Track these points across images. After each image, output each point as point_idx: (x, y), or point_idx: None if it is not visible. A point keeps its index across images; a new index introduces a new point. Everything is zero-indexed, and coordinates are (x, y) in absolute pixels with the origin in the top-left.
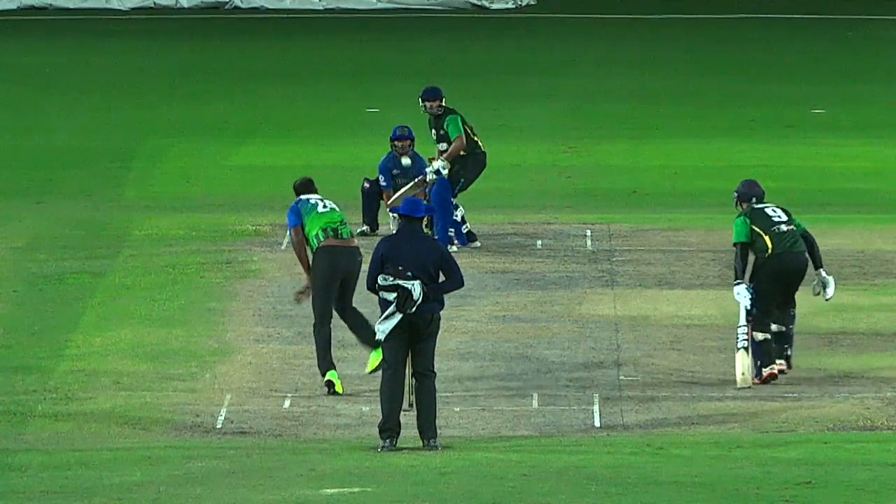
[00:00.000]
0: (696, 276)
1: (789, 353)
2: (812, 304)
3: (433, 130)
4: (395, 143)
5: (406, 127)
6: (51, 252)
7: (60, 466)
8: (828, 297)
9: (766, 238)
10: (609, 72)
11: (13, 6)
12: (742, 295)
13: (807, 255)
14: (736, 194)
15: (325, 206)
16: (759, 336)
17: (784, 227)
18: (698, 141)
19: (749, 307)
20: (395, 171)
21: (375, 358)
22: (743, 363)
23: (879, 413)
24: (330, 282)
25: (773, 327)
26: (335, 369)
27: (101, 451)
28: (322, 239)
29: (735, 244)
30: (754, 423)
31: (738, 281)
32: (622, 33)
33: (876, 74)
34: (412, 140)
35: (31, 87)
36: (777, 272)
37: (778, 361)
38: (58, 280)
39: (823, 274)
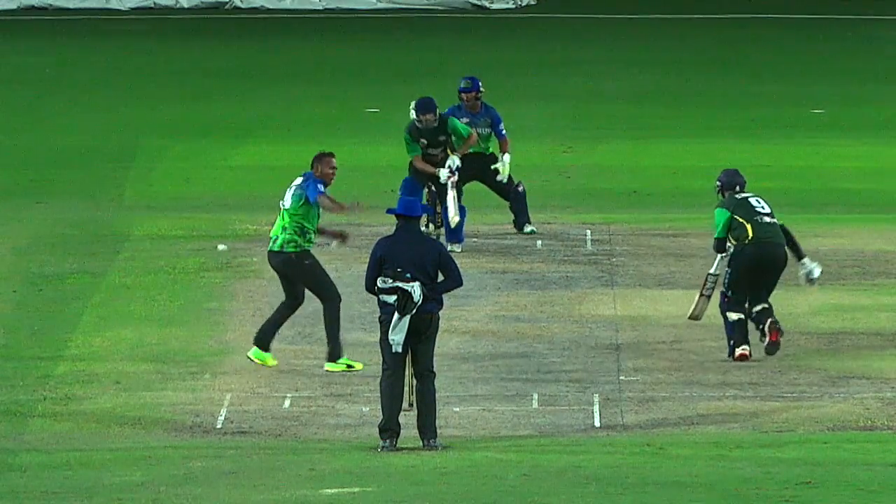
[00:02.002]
0: (696, 276)
1: (775, 319)
2: (812, 304)
3: (424, 140)
4: (462, 95)
5: (472, 78)
6: (51, 252)
7: (60, 466)
8: (815, 276)
9: (748, 226)
10: (609, 72)
11: (13, 6)
12: (722, 256)
13: (786, 249)
14: (719, 183)
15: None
16: (733, 316)
17: (767, 219)
18: (698, 141)
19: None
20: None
21: (332, 367)
22: (699, 305)
23: (879, 413)
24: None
25: (757, 307)
26: (268, 351)
27: (101, 451)
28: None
29: (715, 238)
30: (754, 423)
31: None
32: (622, 33)
33: (876, 74)
34: (479, 91)
35: (31, 87)
36: (754, 258)
37: (762, 334)
38: (58, 280)
39: (807, 261)
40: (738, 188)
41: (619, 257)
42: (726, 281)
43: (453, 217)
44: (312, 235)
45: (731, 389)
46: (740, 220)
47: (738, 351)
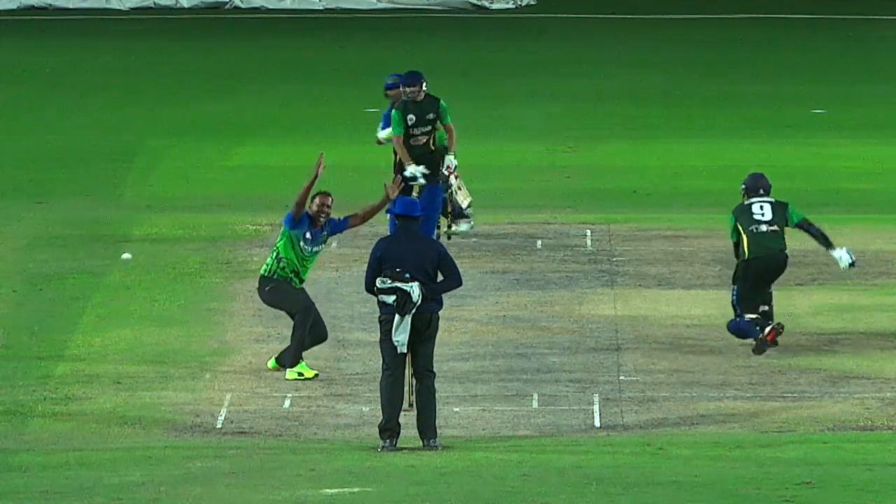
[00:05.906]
0: (696, 277)
1: (779, 323)
2: (812, 304)
3: (411, 115)
4: (388, 92)
5: (398, 75)
6: (51, 252)
7: (60, 466)
8: (847, 262)
9: (745, 238)
10: (609, 72)
11: (13, 6)
12: None
13: (785, 253)
14: (743, 186)
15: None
16: (749, 316)
17: (764, 228)
18: (698, 141)
19: None
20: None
21: (290, 374)
22: None
23: (879, 413)
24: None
25: (760, 308)
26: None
27: (101, 451)
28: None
29: (732, 242)
30: (754, 423)
31: None
32: (622, 33)
33: (876, 74)
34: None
35: (31, 87)
36: (753, 276)
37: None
38: (58, 280)
39: (835, 251)
40: (761, 191)
41: (619, 257)
42: (734, 299)
43: (465, 199)
44: (287, 264)
45: (731, 389)
46: (740, 228)
47: (768, 329)
